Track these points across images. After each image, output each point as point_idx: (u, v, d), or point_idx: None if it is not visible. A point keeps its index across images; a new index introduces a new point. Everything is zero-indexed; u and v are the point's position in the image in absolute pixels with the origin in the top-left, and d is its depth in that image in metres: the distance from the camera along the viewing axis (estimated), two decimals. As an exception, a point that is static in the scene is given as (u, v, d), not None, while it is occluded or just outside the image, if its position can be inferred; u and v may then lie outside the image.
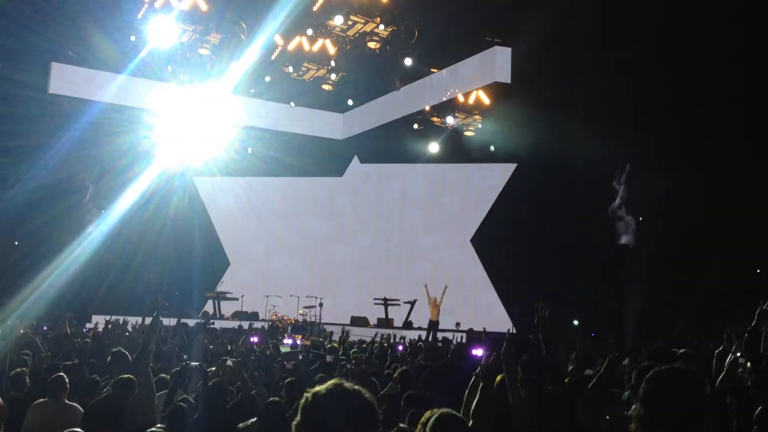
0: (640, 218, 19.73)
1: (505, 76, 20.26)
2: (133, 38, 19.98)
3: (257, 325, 21.51)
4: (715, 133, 16.48)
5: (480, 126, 23.69)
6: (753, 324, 4.88)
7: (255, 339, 14.58)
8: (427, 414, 3.37)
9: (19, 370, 6.99)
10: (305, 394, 2.28)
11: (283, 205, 28.42)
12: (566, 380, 5.45)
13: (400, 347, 13.68)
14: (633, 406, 4.50)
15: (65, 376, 6.52)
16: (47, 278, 21.66)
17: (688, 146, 16.95)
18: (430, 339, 19.33)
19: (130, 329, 16.26)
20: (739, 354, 6.70)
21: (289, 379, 7.62)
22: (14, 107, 20.98)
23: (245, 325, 20.05)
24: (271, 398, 6.48)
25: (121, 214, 24.06)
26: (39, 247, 23.02)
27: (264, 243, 27.83)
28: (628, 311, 18.55)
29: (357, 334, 20.91)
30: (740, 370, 6.38)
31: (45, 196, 22.12)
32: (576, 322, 20.48)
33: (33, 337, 10.81)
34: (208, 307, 25.32)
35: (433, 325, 21.30)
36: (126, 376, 6.19)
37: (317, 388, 2.28)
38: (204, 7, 19.45)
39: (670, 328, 15.91)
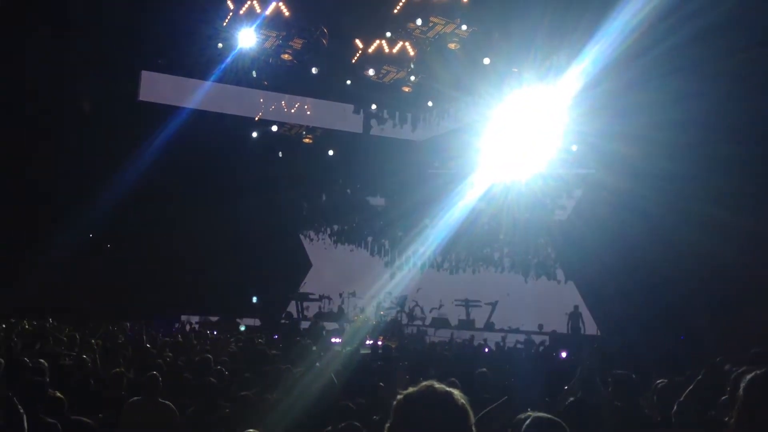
0: None
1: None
2: (220, 45, 20.42)
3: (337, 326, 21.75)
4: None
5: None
6: None
7: (337, 340, 14.77)
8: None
9: (118, 370, 7.21)
10: (397, 396, 2.29)
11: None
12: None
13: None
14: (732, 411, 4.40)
15: (159, 376, 6.67)
16: (137, 281, 22.49)
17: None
18: None
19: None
20: None
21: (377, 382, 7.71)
22: (105, 115, 21.75)
23: (329, 325, 20.30)
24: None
25: (207, 216, 24.61)
26: (128, 253, 23.80)
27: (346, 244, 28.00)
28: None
29: (438, 335, 20.93)
30: None
31: (134, 201, 22.77)
32: None
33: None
34: (291, 308, 25.68)
35: None
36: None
37: (409, 390, 2.28)
38: (286, 13, 19.75)
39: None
